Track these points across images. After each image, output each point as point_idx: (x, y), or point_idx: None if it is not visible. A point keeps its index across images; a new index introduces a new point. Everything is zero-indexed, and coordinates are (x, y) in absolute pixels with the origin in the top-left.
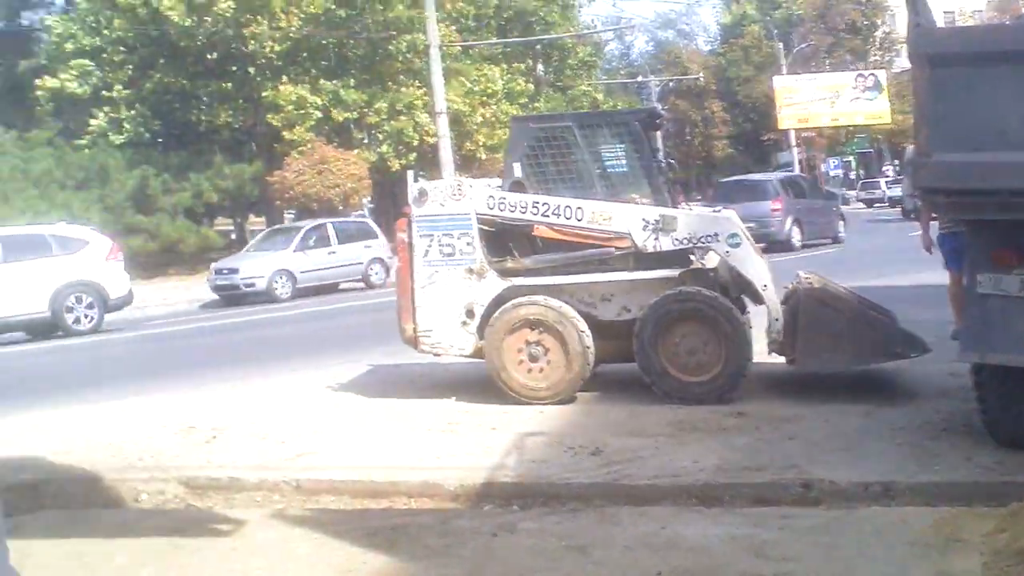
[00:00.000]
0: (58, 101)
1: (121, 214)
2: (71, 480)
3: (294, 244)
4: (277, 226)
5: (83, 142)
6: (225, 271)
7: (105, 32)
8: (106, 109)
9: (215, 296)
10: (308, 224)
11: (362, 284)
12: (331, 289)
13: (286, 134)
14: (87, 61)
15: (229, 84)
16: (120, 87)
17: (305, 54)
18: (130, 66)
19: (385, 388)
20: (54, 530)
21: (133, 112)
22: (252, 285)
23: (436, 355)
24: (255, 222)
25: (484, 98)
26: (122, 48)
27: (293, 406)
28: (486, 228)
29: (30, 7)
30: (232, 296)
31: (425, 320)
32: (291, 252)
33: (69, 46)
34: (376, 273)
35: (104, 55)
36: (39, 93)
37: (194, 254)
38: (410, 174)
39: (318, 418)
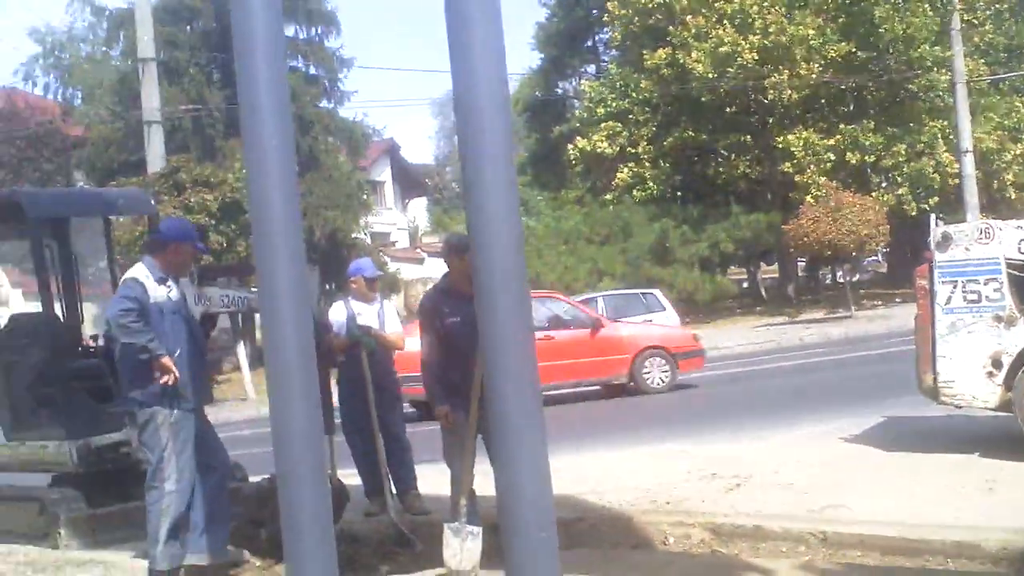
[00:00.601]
0: (587, 162)
1: (640, 267)
2: (603, 520)
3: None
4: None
5: (608, 199)
6: None
7: (632, 94)
8: (631, 165)
9: None
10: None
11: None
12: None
13: (797, 179)
14: (615, 123)
15: (747, 136)
16: (644, 144)
17: (823, 100)
18: (654, 124)
19: (902, 440)
20: (589, 567)
21: (655, 169)
22: None
23: (957, 407)
24: (767, 271)
25: (1015, 133)
26: (647, 108)
27: (812, 457)
28: (1016, 273)
29: (565, 77)
30: None
31: (947, 370)
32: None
33: (600, 109)
34: None
35: (631, 116)
36: (571, 155)
37: (708, 303)
38: (932, 218)
39: (839, 469)
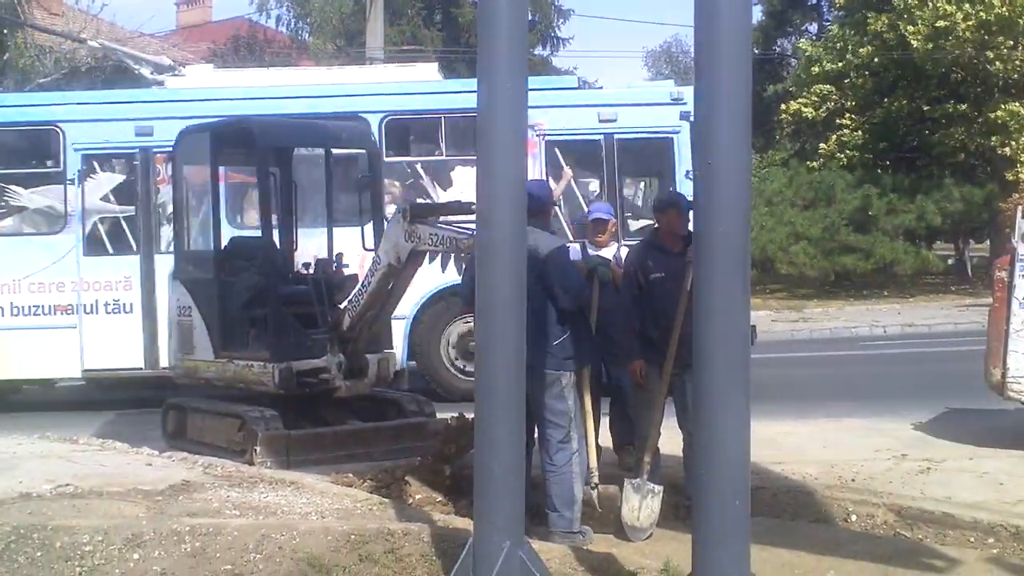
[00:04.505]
0: (798, 124)
1: (837, 232)
2: (784, 491)
3: None
4: None
5: (814, 164)
6: None
7: (849, 57)
8: (839, 133)
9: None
10: None
11: None
12: None
13: (1006, 151)
14: (828, 86)
15: (963, 105)
16: (854, 110)
17: None
18: (867, 90)
19: None
20: (766, 538)
21: (860, 133)
22: None
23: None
24: (976, 248)
25: None
26: (865, 72)
27: (1015, 445)
28: None
29: (786, 35)
30: None
31: (1017, 365)
32: None
33: (815, 70)
34: None
35: (847, 80)
36: (782, 116)
37: (908, 277)
38: (1020, 209)
39: None
